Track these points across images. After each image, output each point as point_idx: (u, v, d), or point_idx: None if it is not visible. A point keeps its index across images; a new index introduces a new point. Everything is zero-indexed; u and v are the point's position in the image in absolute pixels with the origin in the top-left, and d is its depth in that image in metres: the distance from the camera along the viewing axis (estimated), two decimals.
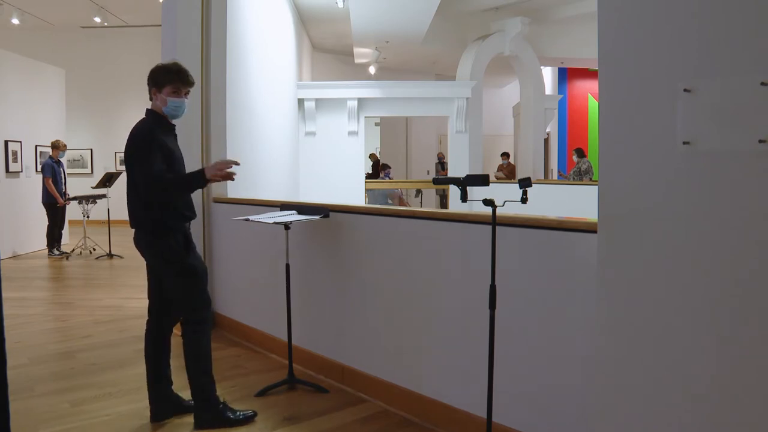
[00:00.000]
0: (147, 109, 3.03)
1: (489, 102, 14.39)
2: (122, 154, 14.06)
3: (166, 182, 2.82)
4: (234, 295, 4.63)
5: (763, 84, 1.51)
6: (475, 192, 2.19)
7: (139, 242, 2.99)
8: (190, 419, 3.00)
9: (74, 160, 13.36)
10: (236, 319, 4.60)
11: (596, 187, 1.91)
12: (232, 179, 2.92)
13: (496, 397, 2.44)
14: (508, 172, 12.98)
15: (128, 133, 2.91)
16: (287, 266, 3.52)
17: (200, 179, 2.86)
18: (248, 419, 3.03)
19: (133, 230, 3.00)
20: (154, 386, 3.02)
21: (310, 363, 3.79)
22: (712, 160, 1.62)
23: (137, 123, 2.98)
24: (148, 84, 3.00)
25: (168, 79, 2.93)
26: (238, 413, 3.03)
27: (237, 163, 2.97)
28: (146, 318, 3.08)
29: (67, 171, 9.44)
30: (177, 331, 3.15)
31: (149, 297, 3.09)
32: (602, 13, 1.87)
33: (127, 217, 2.96)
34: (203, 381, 2.95)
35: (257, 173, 6.06)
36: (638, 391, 1.80)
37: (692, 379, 1.68)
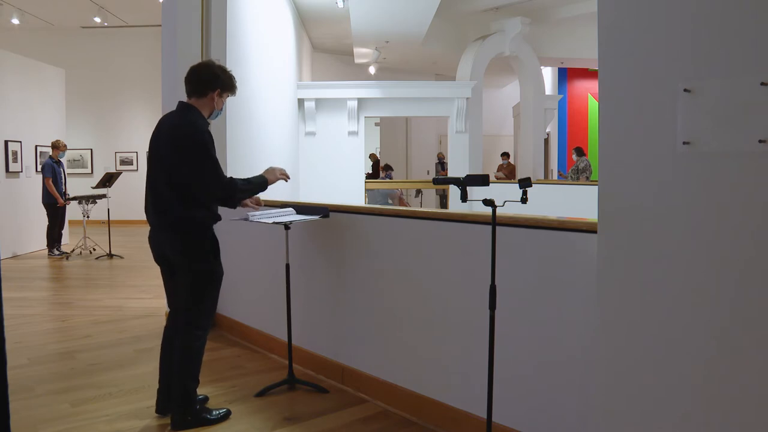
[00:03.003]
0: (188, 104, 2.93)
1: (489, 102, 14.40)
2: (122, 154, 13.91)
3: (239, 187, 2.94)
4: (234, 295, 4.62)
5: (763, 84, 1.51)
6: (475, 192, 2.20)
7: (162, 242, 2.93)
8: None
9: (74, 160, 13.35)
10: (236, 319, 4.60)
11: (596, 187, 1.91)
12: (287, 180, 3.25)
13: (496, 397, 2.44)
14: (508, 172, 12.99)
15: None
16: (287, 266, 3.52)
17: (264, 185, 3.10)
18: (223, 418, 3.04)
19: (154, 230, 2.95)
20: (164, 380, 3.03)
21: (310, 363, 3.79)
22: (712, 160, 1.63)
23: (187, 118, 2.88)
24: (211, 82, 2.91)
25: (233, 86, 3.03)
26: (213, 413, 3.04)
27: (288, 177, 3.25)
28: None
29: (67, 171, 9.44)
30: None
31: (167, 295, 3.11)
32: (602, 13, 1.87)
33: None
34: (188, 384, 2.94)
35: (257, 173, 6.05)
36: (638, 391, 1.80)
37: (692, 379, 1.68)
